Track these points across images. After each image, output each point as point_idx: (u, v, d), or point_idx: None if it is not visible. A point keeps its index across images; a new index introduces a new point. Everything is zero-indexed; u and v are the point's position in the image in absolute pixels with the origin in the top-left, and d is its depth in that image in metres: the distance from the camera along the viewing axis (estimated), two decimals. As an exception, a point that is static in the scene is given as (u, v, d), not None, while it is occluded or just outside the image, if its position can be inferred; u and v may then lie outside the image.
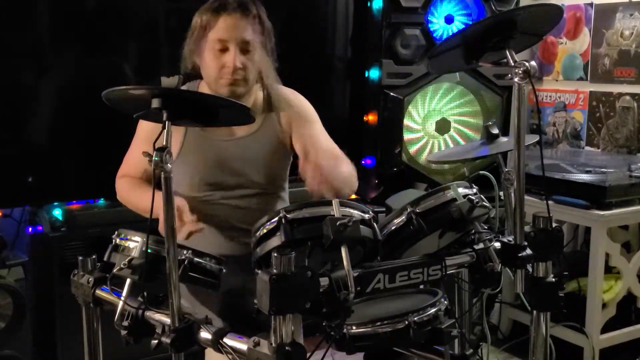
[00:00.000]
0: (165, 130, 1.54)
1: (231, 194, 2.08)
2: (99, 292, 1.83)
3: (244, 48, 2.01)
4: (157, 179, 1.57)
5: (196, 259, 1.69)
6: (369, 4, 3.43)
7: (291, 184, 2.25)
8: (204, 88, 2.12)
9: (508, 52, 1.71)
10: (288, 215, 1.50)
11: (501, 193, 2.00)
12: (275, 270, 1.38)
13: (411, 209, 1.65)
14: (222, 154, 2.08)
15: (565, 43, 4.05)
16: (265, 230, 1.52)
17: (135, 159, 2.11)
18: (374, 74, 3.43)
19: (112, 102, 1.64)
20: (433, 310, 1.68)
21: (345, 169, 1.88)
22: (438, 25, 3.45)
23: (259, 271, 1.44)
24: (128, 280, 1.69)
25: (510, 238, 1.75)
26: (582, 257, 3.29)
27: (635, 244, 3.50)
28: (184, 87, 2.09)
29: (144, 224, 1.64)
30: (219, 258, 1.74)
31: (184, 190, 2.06)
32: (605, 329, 3.20)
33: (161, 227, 1.74)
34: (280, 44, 2.16)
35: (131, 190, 2.13)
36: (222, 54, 2.01)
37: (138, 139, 2.12)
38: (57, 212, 2.89)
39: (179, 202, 1.80)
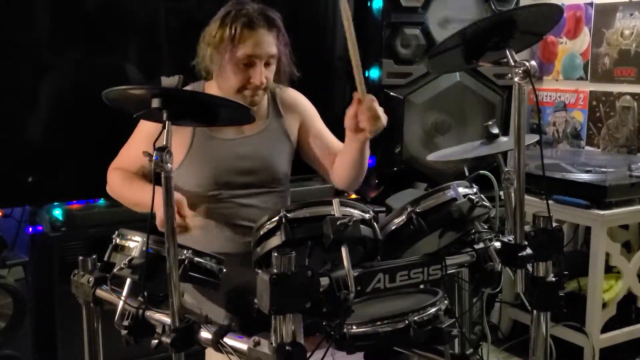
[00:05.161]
0: (165, 130, 1.54)
1: (238, 192, 2.09)
2: (99, 291, 1.83)
3: (268, 62, 2.04)
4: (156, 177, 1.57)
5: (196, 259, 1.69)
6: (369, 4, 3.44)
7: (292, 183, 2.26)
8: (210, 89, 2.13)
9: (508, 51, 1.71)
10: (288, 215, 1.50)
11: (501, 193, 2.00)
12: (275, 270, 1.38)
13: (411, 208, 1.65)
14: (230, 154, 2.10)
15: (566, 43, 4.06)
16: (265, 230, 1.52)
17: (134, 155, 2.10)
18: (374, 73, 3.44)
19: (112, 101, 1.65)
20: (433, 309, 1.68)
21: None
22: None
23: (259, 271, 1.45)
24: (128, 280, 1.69)
25: (511, 238, 1.75)
26: (582, 256, 3.29)
27: (635, 244, 3.50)
28: (188, 88, 2.10)
29: (144, 224, 1.64)
30: (219, 258, 1.74)
31: (191, 188, 2.07)
32: (606, 328, 3.20)
33: (159, 222, 1.75)
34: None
35: (125, 183, 2.11)
36: (247, 68, 2.02)
37: (140, 136, 2.11)
38: (57, 212, 2.89)
39: (177, 196, 1.81)
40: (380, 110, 1.87)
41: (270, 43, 2.03)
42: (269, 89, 2.19)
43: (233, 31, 2.00)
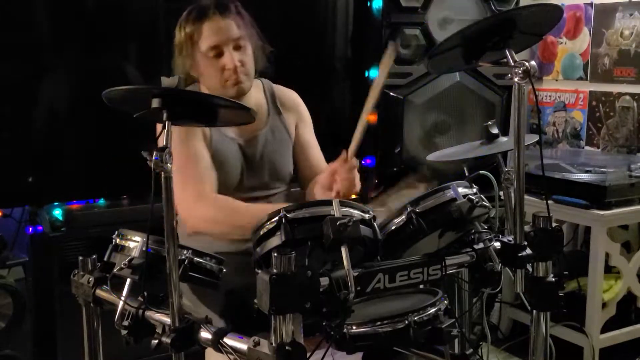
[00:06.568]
0: (165, 130, 1.54)
1: (245, 195, 2.10)
2: (99, 291, 1.83)
3: (236, 45, 2.04)
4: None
5: (196, 259, 1.69)
6: (369, 4, 3.44)
7: (291, 183, 2.27)
8: (205, 90, 2.13)
9: (508, 51, 1.71)
10: (288, 215, 1.50)
11: (501, 193, 2.00)
12: (275, 270, 1.38)
13: (411, 208, 1.65)
14: (236, 153, 2.10)
15: (565, 43, 4.06)
16: (265, 230, 1.52)
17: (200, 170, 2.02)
18: (374, 74, 3.44)
19: (112, 101, 1.65)
20: (433, 310, 1.68)
21: None
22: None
23: (259, 271, 1.45)
24: (128, 280, 1.69)
25: (510, 238, 1.75)
26: (582, 256, 3.29)
27: (635, 244, 3.51)
28: None
29: (144, 224, 1.64)
30: (219, 258, 1.74)
31: None
32: (605, 328, 3.20)
33: None
34: (280, 44, 2.17)
35: (231, 212, 1.99)
36: (218, 58, 2.03)
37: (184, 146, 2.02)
38: (57, 212, 2.89)
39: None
40: (357, 177, 1.90)
41: (229, 27, 2.03)
42: (265, 87, 2.19)
43: (189, 29, 2.04)
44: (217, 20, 2.02)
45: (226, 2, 2.06)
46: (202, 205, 1.99)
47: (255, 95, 2.17)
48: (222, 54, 2.02)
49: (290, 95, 2.26)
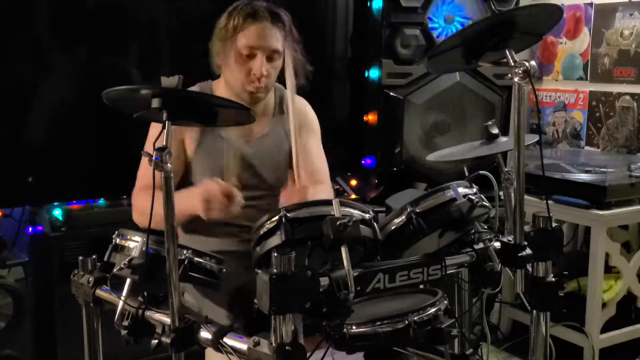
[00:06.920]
0: (165, 130, 1.54)
1: (243, 194, 2.10)
2: (99, 291, 1.84)
3: (270, 56, 2.05)
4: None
5: (196, 259, 1.69)
6: (368, 4, 3.43)
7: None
8: (218, 87, 2.13)
9: (508, 51, 1.71)
10: (288, 215, 1.50)
11: (501, 193, 2.00)
12: (275, 270, 1.38)
13: (411, 208, 1.65)
14: (237, 154, 2.11)
15: (565, 43, 4.06)
16: (265, 229, 1.52)
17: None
18: (374, 73, 3.44)
19: (112, 101, 1.65)
20: (433, 310, 1.68)
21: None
22: (438, 25, 3.45)
23: (259, 270, 1.45)
24: (128, 280, 1.69)
25: (510, 238, 1.75)
26: (582, 256, 3.29)
27: (635, 244, 3.51)
28: (195, 88, 2.11)
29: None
30: (219, 257, 1.74)
31: None
32: (605, 328, 3.20)
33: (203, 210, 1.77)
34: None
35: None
36: (249, 59, 2.04)
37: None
38: (57, 212, 2.89)
39: (214, 185, 1.82)
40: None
41: (272, 37, 2.04)
42: (277, 91, 2.20)
43: (236, 21, 2.03)
44: (265, 25, 2.03)
45: (280, 14, 2.07)
46: (136, 196, 2.05)
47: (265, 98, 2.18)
48: (254, 56, 2.03)
49: (298, 102, 2.26)
